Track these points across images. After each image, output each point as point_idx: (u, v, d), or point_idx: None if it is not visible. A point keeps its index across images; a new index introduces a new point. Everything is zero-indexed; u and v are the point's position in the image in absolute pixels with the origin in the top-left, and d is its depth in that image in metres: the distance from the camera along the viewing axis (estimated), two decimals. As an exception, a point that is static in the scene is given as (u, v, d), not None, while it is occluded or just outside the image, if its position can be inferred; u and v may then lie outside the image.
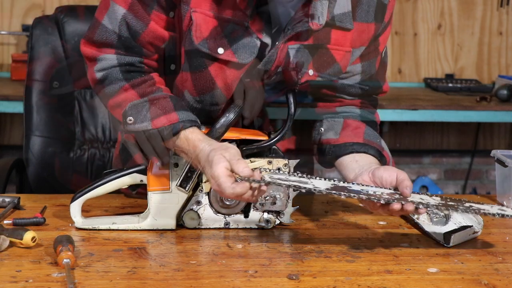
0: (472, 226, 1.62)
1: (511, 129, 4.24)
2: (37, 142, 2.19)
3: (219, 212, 1.62)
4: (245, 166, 1.41)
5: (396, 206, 1.45)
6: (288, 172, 1.54)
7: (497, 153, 1.88)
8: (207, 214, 1.61)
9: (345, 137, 1.69)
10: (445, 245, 1.55)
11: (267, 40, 1.54)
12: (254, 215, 1.62)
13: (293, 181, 1.48)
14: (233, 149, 1.45)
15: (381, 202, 1.46)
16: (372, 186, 1.54)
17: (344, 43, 1.60)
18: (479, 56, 4.13)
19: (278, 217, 1.62)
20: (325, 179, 1.51)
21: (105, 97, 1.59)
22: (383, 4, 1.62)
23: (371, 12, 1.61)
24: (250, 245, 1.54)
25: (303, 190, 1.46)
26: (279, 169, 1.59)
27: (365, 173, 1.58)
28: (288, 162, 1.60)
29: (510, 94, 3.59)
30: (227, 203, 1.60)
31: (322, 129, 1.72)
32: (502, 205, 1.86)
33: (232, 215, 1.62)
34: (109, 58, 1.58)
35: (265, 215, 1.62)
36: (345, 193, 1.45)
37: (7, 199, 1.70)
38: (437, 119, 3.55)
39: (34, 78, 2.21)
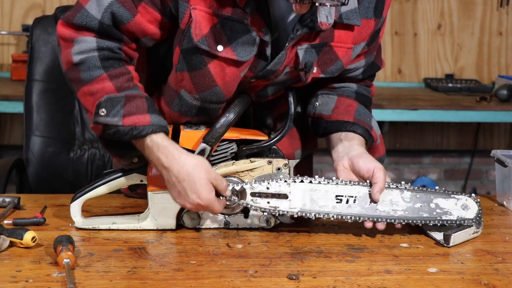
0: (472, 226, 1.61)
1: (511, 129, 4.24)
2: (37, 142, 2.20)
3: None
4: (226, 186, 1.53)
5: (368, 224, 1.58)
6: (271, 179, 1.56)
7: (497, 153, 1.88)
8: (207, 214, 1.61)
9: (336, 115, 1.73)
10: (445, 245, 1.55)
11: (267, 38, 1.55)
12: (254, 215, 1.62)
13: (272, 193, 1.55)
14: (207, 165, 1.51)
15: (348, 221, 1.58)
16: (348, 184, 1.58)
17: (346, 40, 1.62)
18: (479, 56, 4.13)
19: (278, 217, 1.62)
20: (308, 178, 1.56)
21: (78, 83, 1.55)
22: None
23: (371, 8, 1.62)
24: (250, 245, 1.53)
25: (273, 215, 1.61)
26: (279, 169, 1.60)
27: (345, 158, 1.66)
28: (288, 162, 1.61)
29: (510, 94, 3.60)
30: (227, 203, 1.60)
31: (317, 104, 1.76)
32: (502, 205, 1.86)
33: (232, 215, 1.62)
34: (88, 40, 1.54)
35: (265, 215, 1.62)
36: (315, 214, 1.56)
37: (7, 199, 1.70)
38: (437, 119, 3.55)
39: (34, 78, 2.21)
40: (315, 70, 1.62)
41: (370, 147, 1.73)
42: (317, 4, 1.43)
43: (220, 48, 1.54)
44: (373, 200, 1.57)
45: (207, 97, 1.60)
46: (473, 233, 1.60)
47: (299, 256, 1.48)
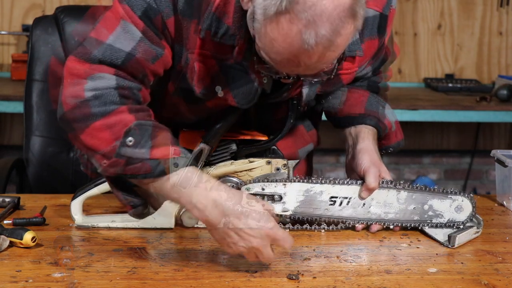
0: (473, 226, 1.62)
1: (511, 129, 4.24)
2: (37, 142, 2.19)
3: (219, 212, 1.62)
4: (265, 204, 1.42)
5: (358, 227, 1.61)
6: (268, 181, 1.56)
7: (497, 153, 1.88)
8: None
9: (347, 108, 1.74)
10: (449, 246, 1.55)
11: (268, 86, 1.51)
12: (254, 215, 1.62)
13: (267, 194, 1.55)
14: (248, 196, 1.41)
15: (341, 227, 1.60)
16: (344, 184, 1.58)
17: (352, 66, 1.62)
18: (479, 56, 4.13)
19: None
20: (306, 177, 1.56)
21: (87, 119, 1.38)
22: (385, 15, 1.62)
23: (374, 27, 1.61)
24: (250, 245, 1.53)
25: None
26: (278, 169, 1.60)
27: (349, 156, 1.69)
28: (287, 162, 1.61)
29: (510, 94, 3.59)
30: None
31: (330, 97, 1.76)
32: (502, 205, 1.86)
33: (232, 215, 1.61)
34: (108, 77, 1.39)
35: (265, 215, 1.62)
36: (307, 218, 1.58)
37: (7, 199, 1.70)
38: (437, 119, 3.55)
39: (34, 78, 2.21)
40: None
41: (386, 135, 1.74)
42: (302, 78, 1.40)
43: (219, 90, 1.49)
44: (361, 199, 1.58)
45: (204, 119, 1.62)
46: (474, 233, 1.60)
47: (299, 256, 1.48)
